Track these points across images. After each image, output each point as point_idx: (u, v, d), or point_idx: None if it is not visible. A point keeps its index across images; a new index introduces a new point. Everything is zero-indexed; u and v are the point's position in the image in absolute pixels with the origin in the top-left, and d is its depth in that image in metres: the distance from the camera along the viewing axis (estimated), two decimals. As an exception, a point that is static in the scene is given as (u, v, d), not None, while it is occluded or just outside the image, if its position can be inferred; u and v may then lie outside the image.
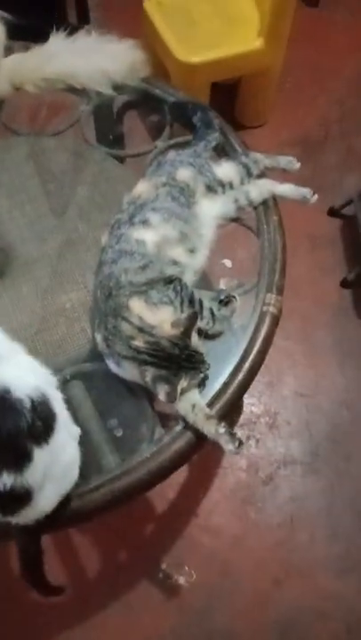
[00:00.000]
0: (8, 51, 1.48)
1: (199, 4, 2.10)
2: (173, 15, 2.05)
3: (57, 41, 1.49)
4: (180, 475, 1.60)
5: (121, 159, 1.46)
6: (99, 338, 1.05)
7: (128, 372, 1.01)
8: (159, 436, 1.02)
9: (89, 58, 1.48)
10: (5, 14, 1.43)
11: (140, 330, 0.99)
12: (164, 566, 1.50)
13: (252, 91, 2.22)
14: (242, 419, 1.67)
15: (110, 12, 2.80)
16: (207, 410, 0.99)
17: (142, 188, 1.19)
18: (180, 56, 1.93)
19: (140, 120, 1.87)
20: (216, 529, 1.56)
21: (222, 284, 1.20)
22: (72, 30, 1.52)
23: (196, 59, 1.93)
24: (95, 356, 1.09)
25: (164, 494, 1.59)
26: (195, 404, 0.99)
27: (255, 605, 1.49)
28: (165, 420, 1.05)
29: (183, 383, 0.97)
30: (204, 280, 1.20)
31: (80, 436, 1.00)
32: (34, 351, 1.11)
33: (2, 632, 1.47)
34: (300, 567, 1.53)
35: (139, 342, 0.98)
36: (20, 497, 0.81)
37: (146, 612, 1.45)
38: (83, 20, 2.68)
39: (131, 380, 1.03)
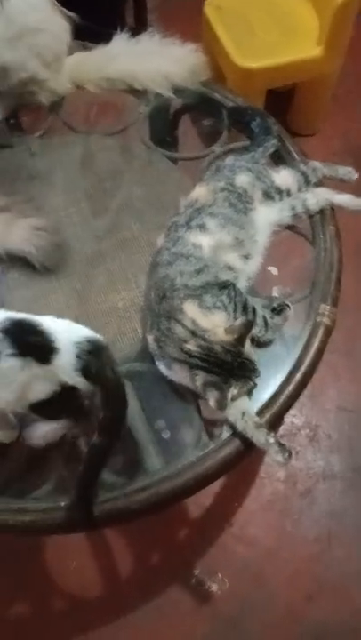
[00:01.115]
0: (71, 50, 1.51)
1: (258, 12, 2.09)
2: (233, 21, 2.04)
3: (120, 42, 1.51)
4: (217, 482, 1.58)
5: (174, 161, 1.46)
6: (150, 339, 1.05)
7: (178, 375, 1.01)
8: (204, 441, 1.02)
9: (151, 60, 1.49)
10: (72, 14, 1.44)
11: (193, 333, 0.98)
12: (197, 572, 1.49)
13: (307, 98, 2.20)
14: (282, 429, 1.65)
15: (167, 15, 2.81)
16: (257, 418, 0.98)
17: (200, 192, 1.19)
18: (239, 61, 1.92)
19: (194, 123, 1.87)
20: (251, 539, 1.54)
21: (275, 292, 1.19)
22: (132, 32, 1.54)
23: (254, 64, 1.92)
24: (145, 356, 1.10)
25: (199, 501, 1.58)
26: (244, 411, 0.99)
27: (287, 619, 1.46)
28: (211, 426, 1.04)
29: (233, 391, 0.96)
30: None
31: (125, 437, 1.00)
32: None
33: (33, 631, 1.48)
34: (335, 583, 1.50)
35: (191, 346, 0.97)
36: None
37: (177, 616, 1.45)
38: (140, 22, 2.70)
39: (180, 383, 1.03)
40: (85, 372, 0.89)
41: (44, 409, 0.92)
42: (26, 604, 1.48)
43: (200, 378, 0.96)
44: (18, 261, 1.22)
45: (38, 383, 0.88)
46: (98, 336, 0.93)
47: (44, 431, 0.98)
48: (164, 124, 1.61)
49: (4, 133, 1.49)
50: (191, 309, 1.01)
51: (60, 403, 0.91)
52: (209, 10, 2.08)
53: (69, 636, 1.46)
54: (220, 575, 1.48)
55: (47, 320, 0.91)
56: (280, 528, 1.55)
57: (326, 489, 1.62)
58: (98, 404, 0.92)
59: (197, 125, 1.83)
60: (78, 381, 0.90)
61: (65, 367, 0.88)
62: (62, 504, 0.94)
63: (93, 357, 0.90)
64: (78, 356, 0.89)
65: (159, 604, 1.46)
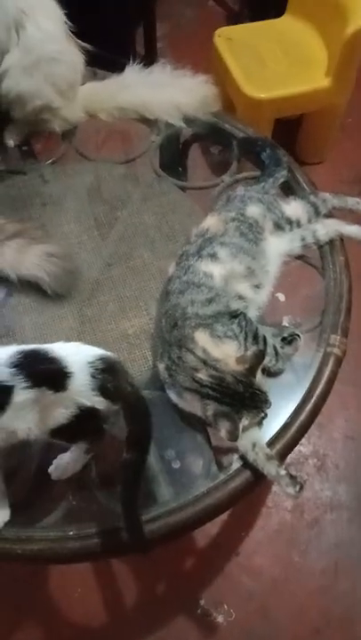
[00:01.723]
0: (84, 78, 1.53)
1: (268, 43, 2.13)
2: (243, 52, 2.08)
3: (132, 72, 1.54)
4: (224, 510, 1.58)
5: (184, 190, 1.48)
6: (161, 367, 1.05)
7: (189, 404, 1.01)
8: (214, 471, 1.01)
9: (163, 90, 1.52)
10: (86, 45, 1.47)
11: (205, 363, 0.99)
12: (202, 602, 1.47)
13: (315, 127, 2.23)
14: (290, 458, 1.63)
15: (176, 44, 2.87)
16: (268, 450, 0.98)
17: (211, 221, 1.20)
18: (248, 91, 1.95)
19: (203, 153, 1.90)
20: (257, 569, 1.52)
21: (285, 321, 1.20)
22: (142, 61, 1.57)
23: (263, 95, 1.95)
24: (155, 384, 1.10)
25: (206, 529, 1.56)
26: (255, 442, 0.98)
27: (293, 653, 1.44)
28: (220, 456, 1.04)
29: (245, 421, 0.96)
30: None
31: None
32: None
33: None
34: (342, 616, 1.47)
35: (202, 375, 0.97)
36: None
37: (182, 647, 1.42)
38: (150, 50, 2.75)
39: (190, 412, 1.03)
40: (103, 390, 0.88)
41: (64, 433, 0.91)
42: (28, 632, 1.45)
43: (211, 408, 0.96)
44: (29, 287, 1.23)
45: (56, 409, 0.88)
46: (109, 353, 0.93)
47: (65, 462, 0.98)
48: (175, 154, 1.63)
49: (17, 160, 1.51)
50: (202, 338, 1.02)
51: (80, 425, 0.90)
52: (219, 41, 2.12)
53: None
54: (225, 606, 1.46)
55: (56, 346, 0.91)
56: (287, 559, 1.54)
57: (334, 519, 1.60)
58: (116, 422, 0.92)
59: (207, 155, 1.85)
60: (96, 401, 0.89)
61: (81, 389, 0.88)
62: (71, 533, 0.93)
63: (109, 375, 0.89)
64: (93, 376, 0.88)
65: (164, 635, 1.44)
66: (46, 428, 0.89)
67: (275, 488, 1.59)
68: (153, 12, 2.60)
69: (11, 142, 1.49)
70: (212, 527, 1.56)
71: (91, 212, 1.38)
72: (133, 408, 0.90)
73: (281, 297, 1.60)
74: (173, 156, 1.61)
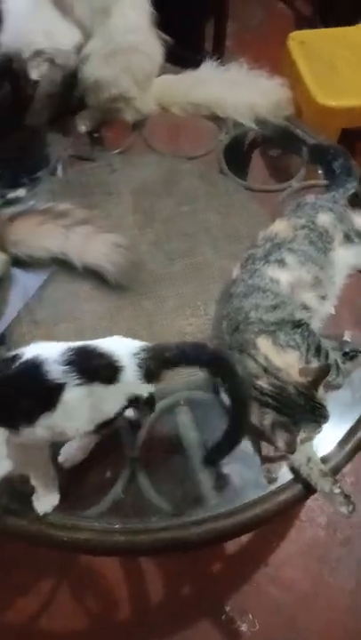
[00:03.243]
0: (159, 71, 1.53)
1: (343, 51, 2.09)
2: (315, 58, 2.04)
3: (209, 69, 1.53)
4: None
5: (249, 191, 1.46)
6: (219, 370, 1.04)
7: (247, 410, 1.00)
8: (262, 481, 1.00)
9: (238, 89, 1.50)
10: (167, 37, 1.46)
11: (266, 370, 0.97)
12: (227, 609, 1.45)
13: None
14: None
15: (243, 43, 2.85)
16: (323, 466, 0.96)
17: (280, 226, 1.18)
18: (319, 98, 1.92)
19: (270, 157, 1.87)
20: (286, 582, 1.50)
21: (347, 336, 1.17)
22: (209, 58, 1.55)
23: (334, 102, 1.92)
24: (208, 386, 1.08)
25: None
26: (310, 457, 0.96)
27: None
28: (269, 466, 1.02)
29: (302, 434, 0.94)
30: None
31: (182, 466, 1.00)
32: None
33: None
34: (368, 639, 1.45)
35: (263, 383, 0.96)
36: None
37: (203, 653, 1.42)
38: (218, 49, 2.73)
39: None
40: (148, 375, 0.89)
41: (107, 425, 0.91)
42: (50, 618, 1.46)
43: (270, 417, 0.94)
44: (92, 274, 1.23)
45: (106, 404, 0.88)
46: (145, 343, 0.93)
47: (74, 450, 0.97)
48: (241, 155, 1.62)
49: (87, 147, 1.52)
50: (265, 345, 1.00)
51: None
52: (292, 44, 2.08)
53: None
54: (250, 615, 1.45)
55: (101, 342, 0.91)
56: (317, 575, 1.51)
57: (366, 539, 1.57)
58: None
59: (273, 159, 1.83)
60: (144, 388, 0.90)
61: (131, 380, 0.88)
62: (116, 526, 0.93)
63: (151, 360, 0.90)
64: (139, 366, 0.89)
65: (186, 636, 1.43)
66: (94, 424, 0.88)
67: (309, 502, 1.57)
68: (226, 9, 2.58)
69: (82, 128, 1.49)
70: (244, 535, 1.54)
71: (156, 205, 1.37)
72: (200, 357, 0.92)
73: (331, 309, 1.58)
74: (239, 157, 1.59)
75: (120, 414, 0.91)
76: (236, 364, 0.91)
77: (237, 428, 0.92)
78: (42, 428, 0.83)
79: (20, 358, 0.84)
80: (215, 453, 0.96)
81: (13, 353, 0.86)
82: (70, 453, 0.97)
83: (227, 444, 0.94)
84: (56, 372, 0.82)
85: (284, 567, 1.52)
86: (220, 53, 2.61)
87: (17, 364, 0.83)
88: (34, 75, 1.36)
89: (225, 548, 1.53)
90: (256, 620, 1.44)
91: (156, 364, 0.90)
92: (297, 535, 1.56)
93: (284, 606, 1.47)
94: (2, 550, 1.48)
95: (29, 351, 0.85)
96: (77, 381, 0.83)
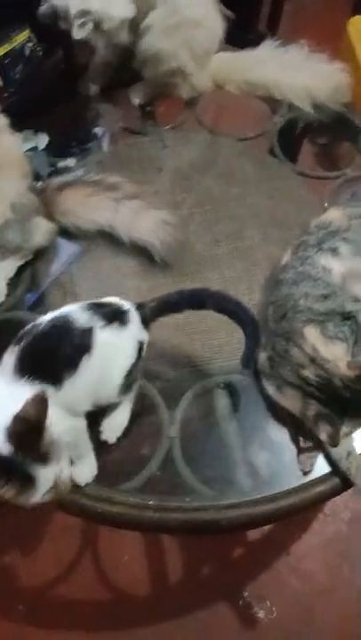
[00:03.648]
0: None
1: None
2: (376, 43, 1.99)
3: (268, 49, 1.49)
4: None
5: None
6: (263, 356, 1.02)
7: (288, 399, 0.98)
8: (298, 471, 0.99)
9: (297, 72, 1.46)
10: (229, 12, 1.43)
11: (313, 361, 0.95)
12: (245, 594, 1.46)
13: None
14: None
15: (298, 26, 2.78)
16: (363, 461, 0.94)
17: (335, 214, 1.15)
18: (376, 86, 1.87)
19: (323, 143, 1.83)
20: (306, 573, 1.50)
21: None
22: (262, 38, 1.51)
23: (391, 92, 1.87)
24: (248, 371, 1.07)
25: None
26: (350, 451, 0.95)
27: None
28: (304, 457, 1.01)
29: (345, 428, 0.93)
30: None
31: (218, 449, 1.00)
32: (191, 349, 1.12)
33: (78, 615, 1.48)
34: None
35: (309, 373, 0.94)
36: None
37: (219, 635, 1.42)
38: (272, 28, 2.68)
39: (285, 407, 1.00)
40: (143, 320, 0.96)
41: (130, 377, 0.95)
42: (70, 589, 1.48)
43: (314, 408, 0.92)
44: (137, 250, 1.22)
45: (127, 347, 0.92)
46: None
47: (119, 420, 0.97)
48: (294, 139, 1.58)
49: (138, 120, 1.50)
50: (313, 335, 0.98)
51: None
52: (352, 30, 2.03)
53: (111, 625, 1.46)
54: (268, 603, 1.45)
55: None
56: (337, 569, 1.51)
57: (390, 538, 1.56)
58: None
59: (323, 146, 1.79)
60: (144, 335, 0.96)
61: (135, 325, 0.94)
62: (150, 503, 0.93)
63: (146, 307, 0.97)
64: (137, 310, 0.96)
65: (203, 617, 1.44)
66: (122, 374, 0.91)
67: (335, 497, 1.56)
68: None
69: (136, 100, 1.47)
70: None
71: (206, 185, 1.35)
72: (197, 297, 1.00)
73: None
74: (291, 141, 1.56)
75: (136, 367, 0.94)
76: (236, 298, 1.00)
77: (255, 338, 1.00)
78: (83, 381, 0.85)
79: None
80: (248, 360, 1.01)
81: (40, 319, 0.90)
82: (110, 428, 0.97)
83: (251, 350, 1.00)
84: (82, 319, 0.88)
85: (305, 559, 1.52)
86: (273, 34, 2.56)
87: (45, 322, 0.88)
88: (76, 34, 1.33)
89: (247, 534, 1.53)
90: (274, 607, 1.44)
91: (151, 310, 0.97)
92: (320, 528, 1.56)
93: (303, 597, 1.47)
94: (22, 516, 1.50)
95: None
96: (101, 323, 0.89)
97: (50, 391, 0.81)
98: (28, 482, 0.76)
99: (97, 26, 1.32)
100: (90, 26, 1.31)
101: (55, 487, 0.80)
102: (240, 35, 1.58)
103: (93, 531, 1.50)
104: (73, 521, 1.44)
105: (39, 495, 0.78)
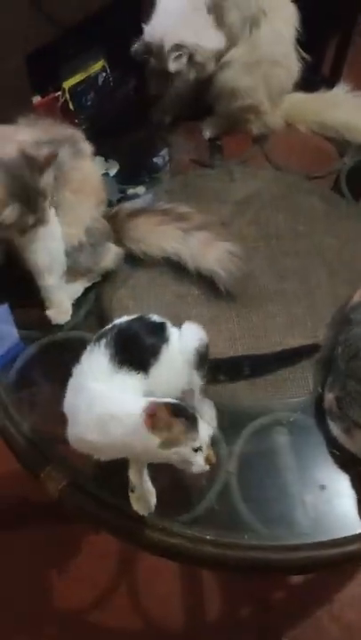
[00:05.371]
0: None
1: None
2: None
3: (342, 92, 1.51)
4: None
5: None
6: (330, 397, 1.01)
7: (356, 442, 0.96)
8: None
9: (369, 116, 1.47)
10: (306, 55, 1.45)
11: (385, 403, 0.94)
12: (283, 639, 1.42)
13: None
14: None
15: (358, 70, 2.80)
16: None
17: None
18: None
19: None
20: (348, 624, 1.44)
21: None
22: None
23: None
24: (311, 409, 1.06)
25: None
26: None
27: None
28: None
29: None
30: None
31: (277, 488, 0.99)
32: (253, 383, 1.11)
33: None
34: None
35: (380, 416, 0.92)
36: None
37: None
38: (335, 73, 2.70)
39: (351, 450, 0.98)
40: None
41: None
42: (106, 614, 1.46)
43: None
44: (202, 280, 1.22)
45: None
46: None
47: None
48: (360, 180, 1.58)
49: (206, 153, 1.51)
50: (385, 376, 0.96)
51: None
52: None
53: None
54: (307, 652, 1.40)
55: None
56: (381, 622, 1.45)
57: None
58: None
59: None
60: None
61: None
62: (208, 537, 0.91)
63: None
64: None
65: (238, 661, 1.40)
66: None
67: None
68: (351, 32, 2.54)
69: (207, 134, 1.49)
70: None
71: (272, 220, 1.35)
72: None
73: None
74: (358, 183, 1.56)
75: None
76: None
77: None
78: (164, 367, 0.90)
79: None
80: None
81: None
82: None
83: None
84: (154, 315, 0.96)
85: (348, 608, 1.46)
86: (336, 77, 2.58)
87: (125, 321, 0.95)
88: (172, 67, 1.35)
89: (289, 577, 1.48)
90: (313, 657, 1.40)
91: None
92: (365, 578, 1.51)
93: (344, 648, 1.42)
94: (64, 537, 1.49)
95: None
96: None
97: (141, 379, 0.87)
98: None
99: (190, 58, 1.35)
100: (184, 59, 1.34)
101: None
102: (310, 77, 1.61)
103: (132, 559, 1.47)
104: (113, 547, 1.43)
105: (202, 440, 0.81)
